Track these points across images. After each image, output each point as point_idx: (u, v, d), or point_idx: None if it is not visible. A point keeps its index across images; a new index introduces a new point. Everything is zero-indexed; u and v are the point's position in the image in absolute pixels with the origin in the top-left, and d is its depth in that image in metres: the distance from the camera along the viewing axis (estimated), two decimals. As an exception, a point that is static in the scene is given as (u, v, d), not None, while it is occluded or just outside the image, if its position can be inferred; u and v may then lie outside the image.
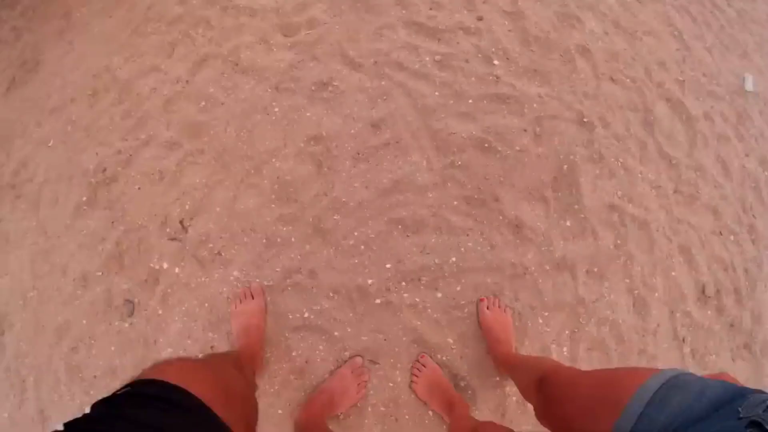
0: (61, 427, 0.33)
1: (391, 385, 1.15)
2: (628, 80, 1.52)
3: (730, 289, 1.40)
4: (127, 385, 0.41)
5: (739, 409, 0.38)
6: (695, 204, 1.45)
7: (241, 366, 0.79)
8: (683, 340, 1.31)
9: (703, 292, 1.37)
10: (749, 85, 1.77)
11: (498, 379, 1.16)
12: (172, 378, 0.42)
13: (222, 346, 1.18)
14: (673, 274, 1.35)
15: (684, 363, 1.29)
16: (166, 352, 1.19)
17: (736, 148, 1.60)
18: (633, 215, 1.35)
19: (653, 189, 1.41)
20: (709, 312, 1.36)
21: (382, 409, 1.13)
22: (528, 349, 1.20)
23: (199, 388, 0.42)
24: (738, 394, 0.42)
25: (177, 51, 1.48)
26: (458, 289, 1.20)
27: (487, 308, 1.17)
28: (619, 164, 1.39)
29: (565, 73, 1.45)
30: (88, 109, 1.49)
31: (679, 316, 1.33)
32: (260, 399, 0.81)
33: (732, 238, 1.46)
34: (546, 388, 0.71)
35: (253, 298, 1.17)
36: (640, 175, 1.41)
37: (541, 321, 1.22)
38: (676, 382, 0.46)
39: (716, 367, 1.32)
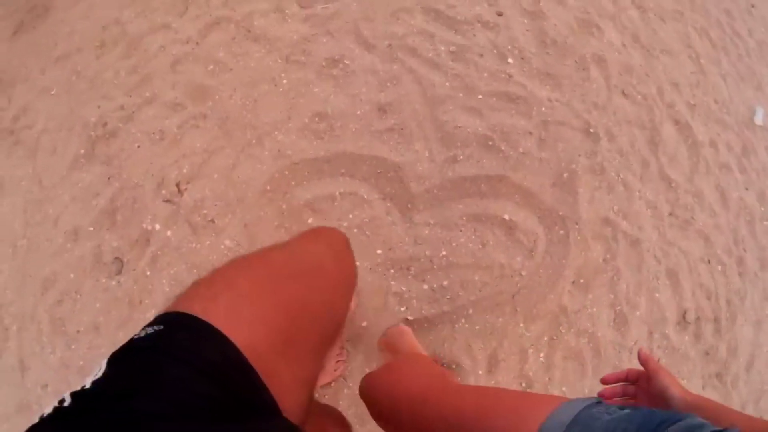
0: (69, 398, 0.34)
1: (368, 370, 1.16)
2: (639, 96, 1.51)
3: (710, 318, 1.42)
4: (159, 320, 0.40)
5: None
6: (689, 229, 1.46)
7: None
8: (658, 361, 1.32)
9: (684, 317, 1.39)
10: (759, 119, 1.77)
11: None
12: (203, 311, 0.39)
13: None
14: (656, 295, 1.36)
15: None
16: (150, 314, 1.19)
17: (736, 180, 1.60)
18: (626, 232, 1.36)
19: (649, 209, 1.42)
20: (686, 337, 1.38)
21: (358, 393, 1.14)
22: (506, 351, 1.22)
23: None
24: None
25: (190, 10, 1.45)
26: (445, 283, 1.20)
27: None
28: (620, 179, 1.39)
29: (578, 81, 1.44)
30: (94, 60, 1.47)
31: (657, 337, 1.34)
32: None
33: (720, 268, 1.47)
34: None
35: None
36: (638, 193, 1.41)
37: (522, 324, 1.23)
38: None
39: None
